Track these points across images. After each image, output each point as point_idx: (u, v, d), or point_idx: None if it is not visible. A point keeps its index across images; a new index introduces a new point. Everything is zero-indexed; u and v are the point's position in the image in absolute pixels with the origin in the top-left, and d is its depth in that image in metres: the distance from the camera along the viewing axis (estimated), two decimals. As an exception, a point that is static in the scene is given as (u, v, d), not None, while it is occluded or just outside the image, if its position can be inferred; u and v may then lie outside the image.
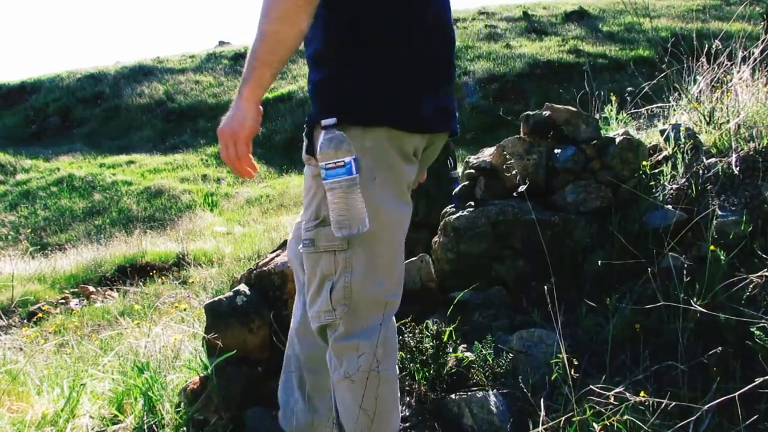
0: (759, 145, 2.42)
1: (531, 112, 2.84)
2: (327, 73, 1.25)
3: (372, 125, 1.22)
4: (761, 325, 1.64)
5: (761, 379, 1.43)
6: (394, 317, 1.37)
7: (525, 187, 2.17)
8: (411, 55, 1.25)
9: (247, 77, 1.17)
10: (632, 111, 3.40)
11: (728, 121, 2.65)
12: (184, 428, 1.84)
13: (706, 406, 1.44)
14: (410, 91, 1.25)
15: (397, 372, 1.36)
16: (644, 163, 2.65)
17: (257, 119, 1.18)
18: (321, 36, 1.25)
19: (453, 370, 1.90)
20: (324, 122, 1.19)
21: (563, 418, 1.52)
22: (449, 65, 1.37)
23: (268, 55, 1.15)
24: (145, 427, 1.85)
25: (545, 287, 1.72)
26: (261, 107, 1.20)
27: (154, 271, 6.35)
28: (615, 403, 1.50)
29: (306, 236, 1.29)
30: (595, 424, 1.47)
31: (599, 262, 2.29)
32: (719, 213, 2.19)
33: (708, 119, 2.84)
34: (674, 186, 2.51)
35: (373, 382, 1.25)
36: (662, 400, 1.45)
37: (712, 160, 2.49)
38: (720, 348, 1.69)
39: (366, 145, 1.22)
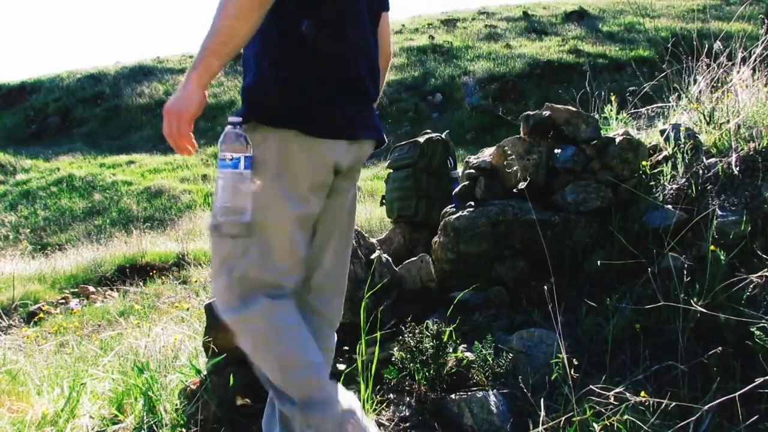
0: (759, 145, 2.42)
1: (531, 112, 2.84)
2: (251, 76, 1.38)
3: (281, 127, 1.34)
4: (761, 325, 1.64)
5: (761, 380, 1.43)
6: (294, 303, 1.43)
7: (525, 184, 2.17)
8: (329, 68, 1.39)
9: (196, 64, 1.27)
10: (632, 111, 3.40)
11: (728, 121, 2.65)
12: (184, 428, 1.84)
13: (707, 407, 1.45)
14: (322, 99, 1.38)
15: (295, 321, 1.40)
16: (644, 163, 2.65)
17: (201, 103, 1.29)
18: (256, 40, 1.37)
19: (453, 370, 1.90)
20: (230, 119, 1.31)
21: (563, 418, 1.52)
22: (370, 83, 1.48)
23: (219, 47, 1.27)
24: (145, 427, 1.85)
25: (545, 287, 1.72)
26: (206, 94, 1.31)
27: (154, 271, 6.34)
28: (615, 403, 1.50)
29: (212, 222, 1.38)
30: (595, 424, 1.47)
31: (599, 262, 2.29)
32: (719, 213, 2.19)
33: (708, 119, 2.84)
34: (674, 186, 2.51)
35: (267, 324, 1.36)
36: (662, 400, 1.45)
37: (712, 160, 2.50)
38: (720, 348, 1.69)
39: (273, 144, 1.34)
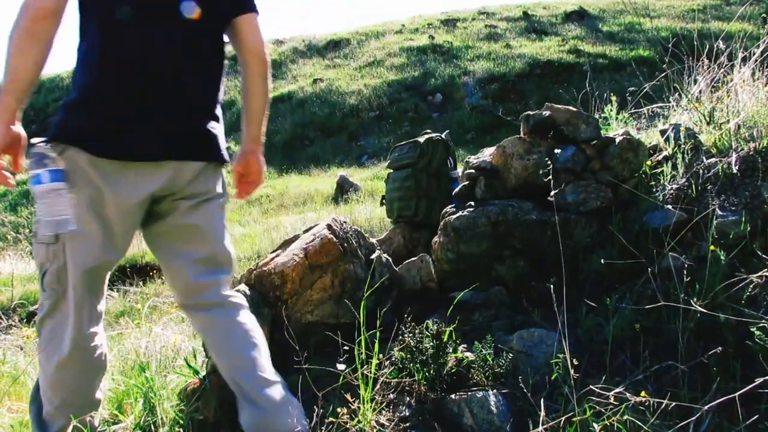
0: (759, 145, 2.42)
1: (531, 112, 2.84)
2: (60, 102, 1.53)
3: (68, 145, 1.45)
4: (761, 325, 1.64)
5: (761, 379, 1.43)
6: (88, 315, 1.57)
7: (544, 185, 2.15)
8: (115, 92, 1.47)
9: None
10: (632, 111, 3.40)
11: (728, 121, 2.65)
12: (184, 428, 1.84)
13: (707, 407, 1.44)
14: (102, 121, 1.46)
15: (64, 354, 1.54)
16: (645, 162, 2.65)
17: (6, 137, 1.42)
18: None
19: (453, 370, 1.90)
20: (32, 140, 1.45)
21: (563, 418, 1.52)
22: (168, 103, 1.52)
23: (9, 85, 1.39)
24: (145, 427, 1.85)
25: (548, 287, 1.72)
26: (13, 127, 1.44)
27: (154, 271, 6.33)
28: (615, 403, 1.50)
29: (33, 229, 1.53)
30: (595, 425, 1.47)
31: (600, 261, 2.29)
32: (719, 213, 2.19)
33: (708, 119, 2.84)
34: (674, 186, 2.51)
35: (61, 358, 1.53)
36: (662, 401, 1.45)
37: (712, 160, 2.50)
38: (720, 348, 1.69)
39: (65, 162, 1.45)
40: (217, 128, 1.64)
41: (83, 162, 1.44)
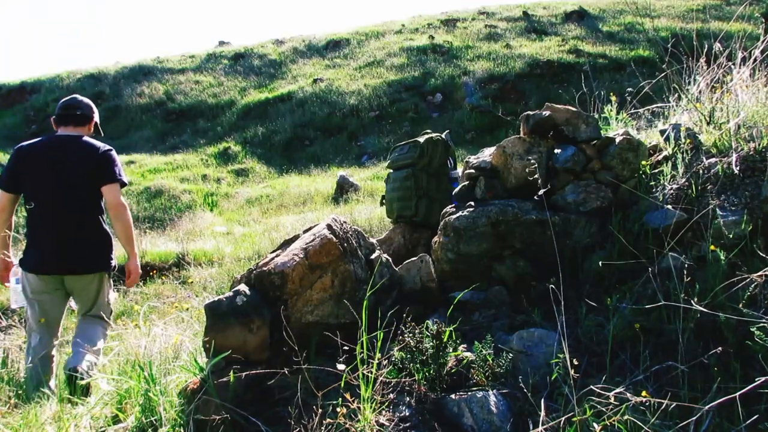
0: (759, 145, 2.42)
1: (531, 112, 2.84)
2: None
3: (21, 268, 3.04)
4: (761, 325, 1.64)
5: (762, 379, 1.43)
6: (43, 336, 3.00)
7: (541, 189, 2.16)
8: (32, 240, 2.99)
9: None
10: (632, 111, 3.40)
11: (728, 121, 2.65)
12: (184, 428, 1.84)
13: (707, 407, 1.44)
14: (27, 254, 2.99)
15: (37, 350, 2.93)
16: (644, 163, 2.65)
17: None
18: None
19: (453, 370, 1.90)
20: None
21: (563, 418, 1.52)
22: (56, 246, 2.93)
23: None
24: (146, 427, 1.85)
25: (548, 287, 1.72)
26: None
27: (154, 271, 6.33)
28: (615, 403, 1.50)
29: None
30: (595, 424, 1.47)
31: (599, 262, 2.29)
32: (719, 213, 2.19)
33: (708, 119, 2.84)
34: (674, 186, 2.51)
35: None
36: (662, 401, 1.45)
37: (712, 160, 2.49)
38: (720, 348, 1.69)
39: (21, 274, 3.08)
40: (95, 253, 3.01)
41: (25, 274, 3.00)
